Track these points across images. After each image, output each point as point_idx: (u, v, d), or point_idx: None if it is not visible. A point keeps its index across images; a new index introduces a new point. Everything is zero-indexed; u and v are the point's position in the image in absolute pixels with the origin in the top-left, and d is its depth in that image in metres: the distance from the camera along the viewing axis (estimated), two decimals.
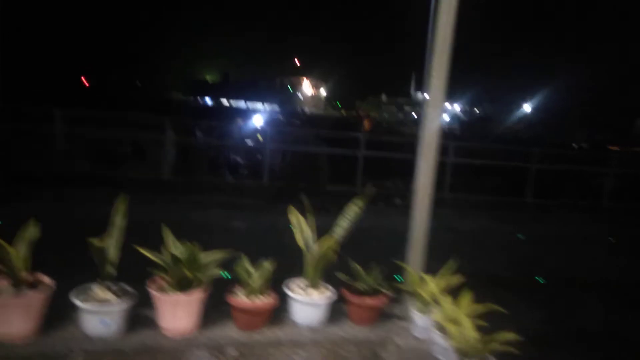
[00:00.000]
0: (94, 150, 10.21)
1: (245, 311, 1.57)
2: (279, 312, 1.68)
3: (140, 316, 1.56)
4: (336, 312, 1.72)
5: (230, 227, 6.18)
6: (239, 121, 15.55)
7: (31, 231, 1.46)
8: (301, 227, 1.71)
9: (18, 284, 1.40)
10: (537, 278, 5.04)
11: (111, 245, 1.48)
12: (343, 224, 1.61)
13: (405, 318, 1.72)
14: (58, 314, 1.50)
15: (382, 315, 1.74)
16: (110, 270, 1.49)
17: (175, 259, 1.46)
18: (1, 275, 1.42)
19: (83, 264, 1.56)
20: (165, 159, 9.73)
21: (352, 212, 1.60)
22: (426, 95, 1.58)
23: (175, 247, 1.52)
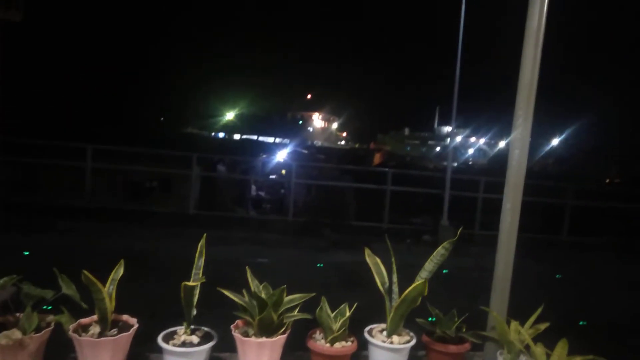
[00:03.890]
0: (122, 185, 10.39)
1: (326, 356, 1.52)
2: (358, 358, 1.62)
3: None
4: (414, 359, 1.66)
5: (255, 263, 6.15)
6: (262, 156, 15.73)
7: (119, 272, 1.46)
8: (379, 270, 1.67)
9: (106, 324, 1.39)
10: (581, 322, 4.85)
11: (197, 287, 1.46)
12: (429, 267, 1.57)
13: None
14: (138, 356, 1.48)
15: None
16: (194, 312, 1.47)
17: (261, 302, 1.43)
18: (90, 315, 1.41)
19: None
20: (191, 193, 9.83)
21: (438, 255, 1.56)
22: (514, 131, 1.57)
23: (260, 289, 1.50)
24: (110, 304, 1.39)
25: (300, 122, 72.59)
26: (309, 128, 72.74)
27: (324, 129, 75.16)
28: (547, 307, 1.64)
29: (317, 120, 75.08)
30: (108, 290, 1.41)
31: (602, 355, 1.42)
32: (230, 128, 55.40)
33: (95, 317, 1.43)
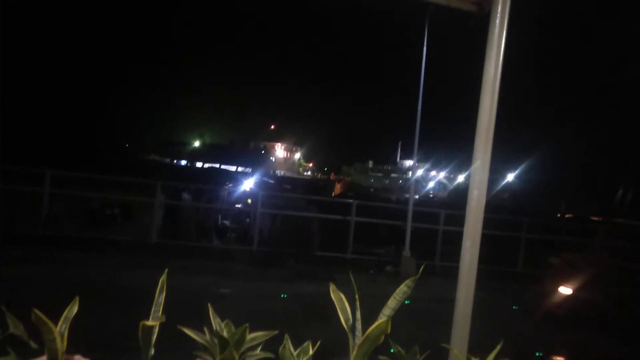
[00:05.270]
0: (81, 212, 10.03)
1: None
2: None
3: None
4: None
5: (218, 294, 6.02)
6: (228, 185, 15.57)
7: (73, 310, 1.39)
8: (343, 306, 1.67)
9: None
10: (537, 354, 4.96)
11: (156, 326, 1.42)
12: (392, 305, 1.58)
13: None
14: None
15: None
16: (152, 352, 1.42)
17: (223, 340, 1.40)
18: (39, 356, 1.34)
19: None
20: (154, 222, 9.58)
21: (401, 292, 1.57)
22: (474, 168, 1.63)
23: (221, 327, 1.46)
24: (61, 345, 1.32)
25: (263, 151, 73.16)
26: (271, 158, 73.32)
27: (286, 159, 75.88)
28: (505, 339, 1.67)
29: (280, 150, 75.84)
30: (60, 330, 1.34)
31: None
32: (193, 156, 55.22)
33: (44, 358, 1.35)
